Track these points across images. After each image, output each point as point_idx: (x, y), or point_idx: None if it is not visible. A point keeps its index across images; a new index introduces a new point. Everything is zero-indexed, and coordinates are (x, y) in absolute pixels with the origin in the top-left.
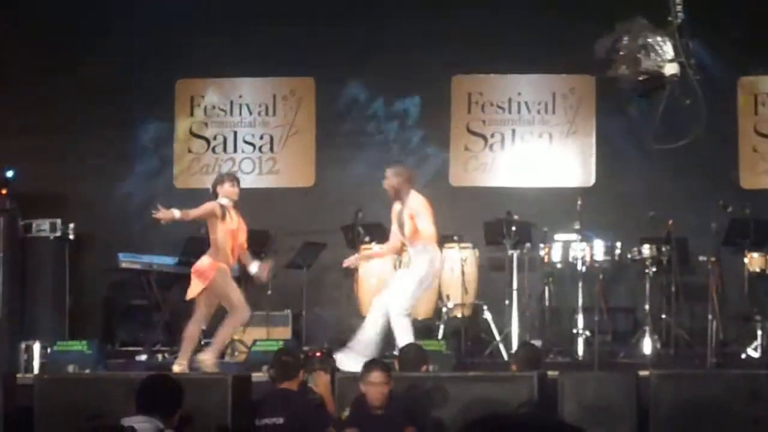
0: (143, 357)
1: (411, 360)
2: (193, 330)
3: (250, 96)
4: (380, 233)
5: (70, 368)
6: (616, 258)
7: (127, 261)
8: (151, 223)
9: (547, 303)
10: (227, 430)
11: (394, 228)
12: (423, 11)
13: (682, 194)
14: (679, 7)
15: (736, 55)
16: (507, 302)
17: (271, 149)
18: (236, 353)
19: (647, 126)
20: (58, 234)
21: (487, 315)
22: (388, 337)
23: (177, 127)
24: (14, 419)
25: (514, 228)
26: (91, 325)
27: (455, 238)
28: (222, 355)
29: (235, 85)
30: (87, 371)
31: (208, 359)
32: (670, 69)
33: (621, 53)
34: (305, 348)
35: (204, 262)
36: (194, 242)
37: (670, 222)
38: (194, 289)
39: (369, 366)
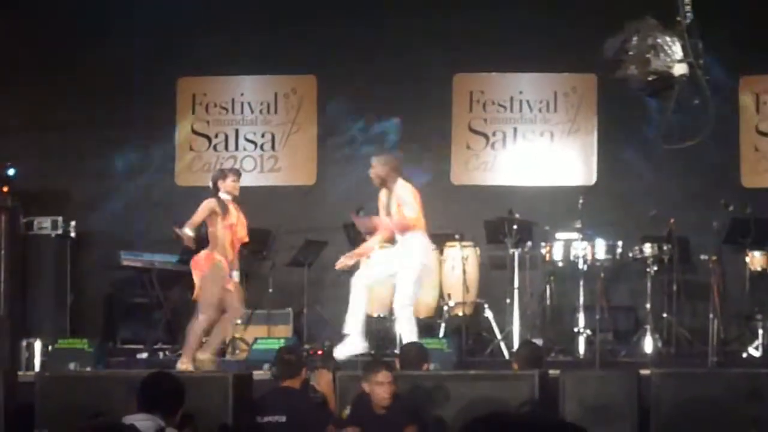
0: (144, 355)
1: (412, 358)
2: (196, 327)
3: (251, 94)
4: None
5: (72, 366)
6: (618, 257)
7: (128, 259)
8: (152, 222)
9: (548, 302)
10: (228, 429)
11: (382, 217)
12: (425, 9)
13: (683, 193)
14: (687, 8)
15: (738, 54)
16: (508, 301)
17: (273, 147)
18: (237, 351)
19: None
20: (60, 232)
21: (489, 313)
22: (388, 336)
23: (178, 125)
24: (15, 417)
25: (515, 226)
26: (93, 323)
27: (456, 236)
28: (223, 354)
29: (236, 83)
30: (88, 369)
31: (206, 358)
32: (680, 69)
33: (630, 53)
34: (306, 346)
35: (201, 254)
36: (195, 240)
37: (672, 221)
38: (197, 285)
39: (374, 366)
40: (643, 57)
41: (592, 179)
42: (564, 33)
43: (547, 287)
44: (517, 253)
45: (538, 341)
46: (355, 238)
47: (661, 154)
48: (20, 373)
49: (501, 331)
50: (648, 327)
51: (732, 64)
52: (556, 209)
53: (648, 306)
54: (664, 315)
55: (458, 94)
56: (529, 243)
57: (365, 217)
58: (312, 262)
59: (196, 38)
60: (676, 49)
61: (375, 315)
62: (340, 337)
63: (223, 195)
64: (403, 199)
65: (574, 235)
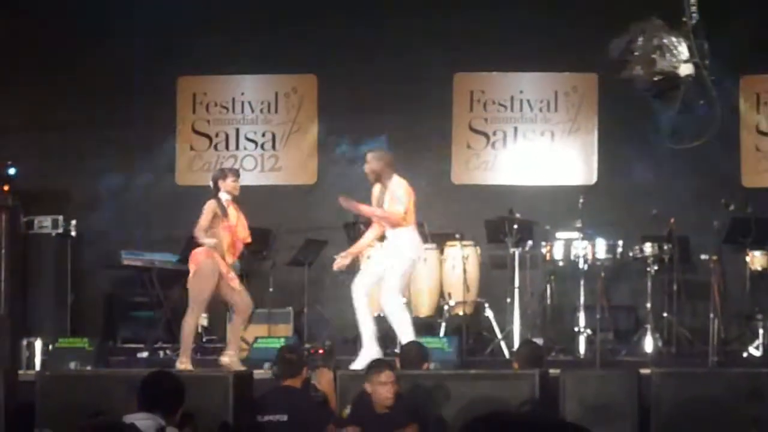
0: (145, 354)
1: (412, 358)
2: (185, 325)
3: (252, 93)
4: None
5: (72, 365)
6: (618, 256)
7: (128, 258)
8: (153, 221)
9: (548, 301)
10: (229, 428)
11: (373, 207)
12: (425, 9)
13: (683, 193)
14: (693, 8)
15: (738, 54)
16: (509, 300)
17: (273, 147)
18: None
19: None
20: (60, 231)
21: (489, 313)
22: (386, 335)
23: (178, 124)
24: (16, 416)
25: (515, 226)
26: (93, 322)
27: (457, 236)
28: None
29: (237, 83)
30: (88, 368)
31: (231, 360)
32: (685, 70)
33: (636, 54)
34: (307, 345)
35: (199, 249)
36: (196, 240)
37: (672, 220)
38: (189, 278)
39: (377, 366)
40: (649, 57)
41: (593, 179)
42: (564, 32)
43: (548, 287)
44: (517, 252)
45: (539, 341)
46: (355, 237)
47: (661, 153)
48: (21, 372)
49: (501, 331)
50: (648, 326)
51: (732, 64)
52: (557, 209)
53: (648, 305)
54: (665, 314)
55: (459, 93)
56: (530, 242)
57: (353, 201)
58: (312, 262)
59: (196, 37)
60: (682, 50)
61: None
62: (340, 336)
63: (223, 195)
64: (394, 194)
65: (575, 234)
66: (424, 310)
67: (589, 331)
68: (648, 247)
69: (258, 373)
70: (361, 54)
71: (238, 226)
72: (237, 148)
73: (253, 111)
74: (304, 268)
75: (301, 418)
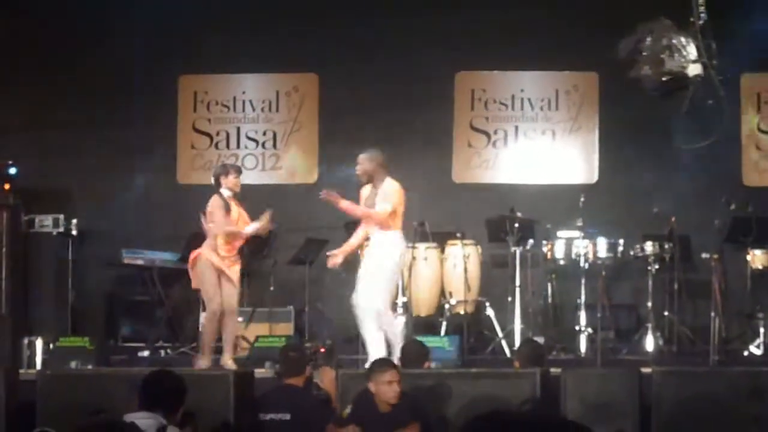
0: (146, 353)
1: (413, 357)
2: (205, 323)
3: (253, 92)
4: None
5: (73, 364)
6: (619, 255)
7: (129, 257)
8: (154, 220)
9: (549, 300)
10: (230, 427)
11: (361, 207)
12: (427, 8)
13: (684, 191)
14: (702, 8)
15: (739, 52)
16: (510, 299)
17: (274, 145)
18: (238, 349)
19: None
20: (61, 229)
21: (490, 312)
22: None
23: (179, 123)
24: (17, 415)
25: (516, 225)
26: (94, 321)
27: (458, 234)
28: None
29: (238, 81)
30: (89, 367)
31: (227, 362)
32: (694, 70)
33: (644, 54)
34: (308, 344)
35: (196, 251)
36: (197, 239)
37: (673, 219)
38: (192, 280)
39: (382, 365)
40: (658, 57)
41: (594, 177)
42: (565, 31)
43: (549, 285)
44: (518, 251)
45: (540, 339)
46: None
47: (662, 152)
48: (21, 371)
49: (502, 330)
50: (649, 325)
51: (733, 63)
52: (558, 207)
53: (649, 304)
54: (666, 313)
55: (460, 92)
56: (531, 241)
57: (335, 195)
58: (313, 261)
59: (197, 36)
60: (691, 50)
61: None
62: (341, 334)
63: (224, 191)
64: (385, 193)
65: (576, 233)
66: (425, 309)
67: (590, 329)
68: (649, 246)
69: (259, 372)
70: (362, 53)
71: (239, 222)
72: (238, 146)
73: (254, 110)
74: (305, 267)
75: (303, 417)
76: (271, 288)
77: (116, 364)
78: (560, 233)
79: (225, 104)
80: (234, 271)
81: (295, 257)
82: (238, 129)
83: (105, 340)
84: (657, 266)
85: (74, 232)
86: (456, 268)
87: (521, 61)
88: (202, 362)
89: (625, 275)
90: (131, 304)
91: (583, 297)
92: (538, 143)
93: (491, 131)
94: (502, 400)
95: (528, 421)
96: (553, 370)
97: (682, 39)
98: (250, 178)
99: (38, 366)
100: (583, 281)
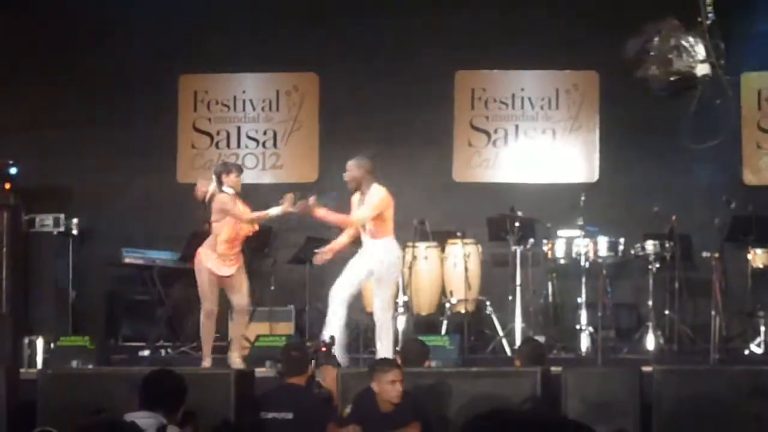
0: (146, 352)
1: (414, 356)
2: (201, 322)
3: (253, 91)
4: None
5: (73, 363)
6: (620, 254)
7: (130, 256)
8: (154, 219)
9: (550, 299)
10: (230, 426)
11: (345, 216)
12: (426, 7)
13: (685, 190)
14: (709, 8)
15: (739, 51)
16: (510, 298)
17: (275, 145)
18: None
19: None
20: (62, 229)
21: (490, 311)
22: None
23: (179, 122)
24: (17, 414)
25: (517, 224)
26: (94, 321)
27: (458, 233)
28: (225, 351)
29: (238, 81)
30: (90, 366)
31: (233, 361)
32: (702, 69)
33: (651, 54)
34: (308, 343)
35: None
36: (197, 238)
37: (674, 218)
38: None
39: (385, 365)
40: (666, 57)
41: (594, 176)
42: (565, 30)
43: (549, 284)
44: (519, 250)
45: (540, 338)
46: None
47: (662, 151)
48: (22, 370)
49: (503, 328)
50: (650, 324)
51: (733, 61)
52: (558, 206)
53: (650, 303)
54: (666, 312)
55: (460, 91)
56: (531, 240)
57: (307, 203)
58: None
59: (197, 36)
60: (699, 50)
61: (369, 311)
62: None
63: (227, 189)
64: (368, 200)
65: (576, 232)
66: (426, 308)
67: (590, 328)
68: (649, 245)
69: (260, 371)
70: (362, 52)
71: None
72: (238, 146)
73: (254, 109)
74: (305, 266)
75: (306, 416)
76: (272, 287)
77: (117, 363)
78: (561, 232)
79: (225, 103)
80: (233, 270)
81: (296, 256)
82: (239, 128)
83: (105, 340)
84: (657, 265)
85: (75, 232)
86: (456, 267)
87: (521, 60)
88: (203, 362)
89: (626, 274)
90: (132, 304)
91: (583, 296)
92: (539, 142)
93: (491, 130)
94: (502, 399)
95: (528, 420)
96: (553, 369)
97: (691, 39)
98: (250, 177)
99: (39, 365)
100: (583, 280)
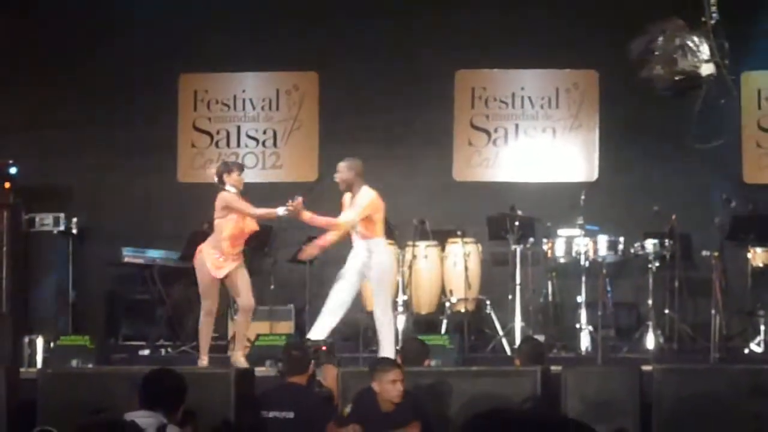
0: (146, 352)
1: (413, 355)
2: (200, 320)
3: (253, 90)
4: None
5: (73, 363)
6: (620, 253)
7: (130, 256)
8: (154, 218)
9: (550, 298)
10: (230, 425)
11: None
12: (426, 6)
13: (685, 189)
14: (713, 8)
15: (739, 50)
16: (510, 297)
17: (275, 144)
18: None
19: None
20: (62, 228)
21: (490, 310)
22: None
23: (179, 121)
24: (17, 414)
25: (517, 223)
26: (94, 320)
27: (458, 232)
28: (225, 350)
29: (238, 80)
30: (90, 366)
31: (238, 359)
32: (707, 69)
33: (656, 53)
34: (308, 343)
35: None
36: (197, 237)
37: (674, 217)
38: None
39: (386, 364)
40: (670, 57)
41: (594, 175)
42: (565, 30)
43: (549, 283)
44: (519, 249)
45: (540, 337)
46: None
47: (662, 150)
48: (22, 369)
49: (503, 328)
50: (650, 323)
51: (733, 60)
52: (558, 205)
53: (650, 302)
54: (666, 311)
55: (460, 90)
56: (531, 239)
57: (296, 205)
58: (314, 259)
59: (197, 35)
60: (704, 49)
61: (369, 310)
62: (341, 333)
63: (229, 188)
64: (356, 202)
65: (576, 231)
66: (426, 307)
67: (590, 327)
68: (649, 244)
69: (260, 371)
70: (362, 51)
71: (246, 220)
72: (238, 145)
73: (254, 108)
74: (306, 265)
75: (307, 416)
76: (272, 286)
77: (117, 362)
78: (561, 231)
79: (225, 103)
80: (229, 269)
81: (296, 256)
82: (239, 127)
83: (105, 339)
84: (657, 264)
85: (75, 231)
86: (456, 266)
87: (521, 59)
88: (200, 360)
89: (626, 273)
90: (132, 303)
91: (583, 295)
92: (539, 141)
93: (492, 129)
94: (502, 398)
95: (528, 419)
96: (553, 368)
97: (695, 39)
98: (250, 176)
99: (39, 365)
100: (583, 279)
